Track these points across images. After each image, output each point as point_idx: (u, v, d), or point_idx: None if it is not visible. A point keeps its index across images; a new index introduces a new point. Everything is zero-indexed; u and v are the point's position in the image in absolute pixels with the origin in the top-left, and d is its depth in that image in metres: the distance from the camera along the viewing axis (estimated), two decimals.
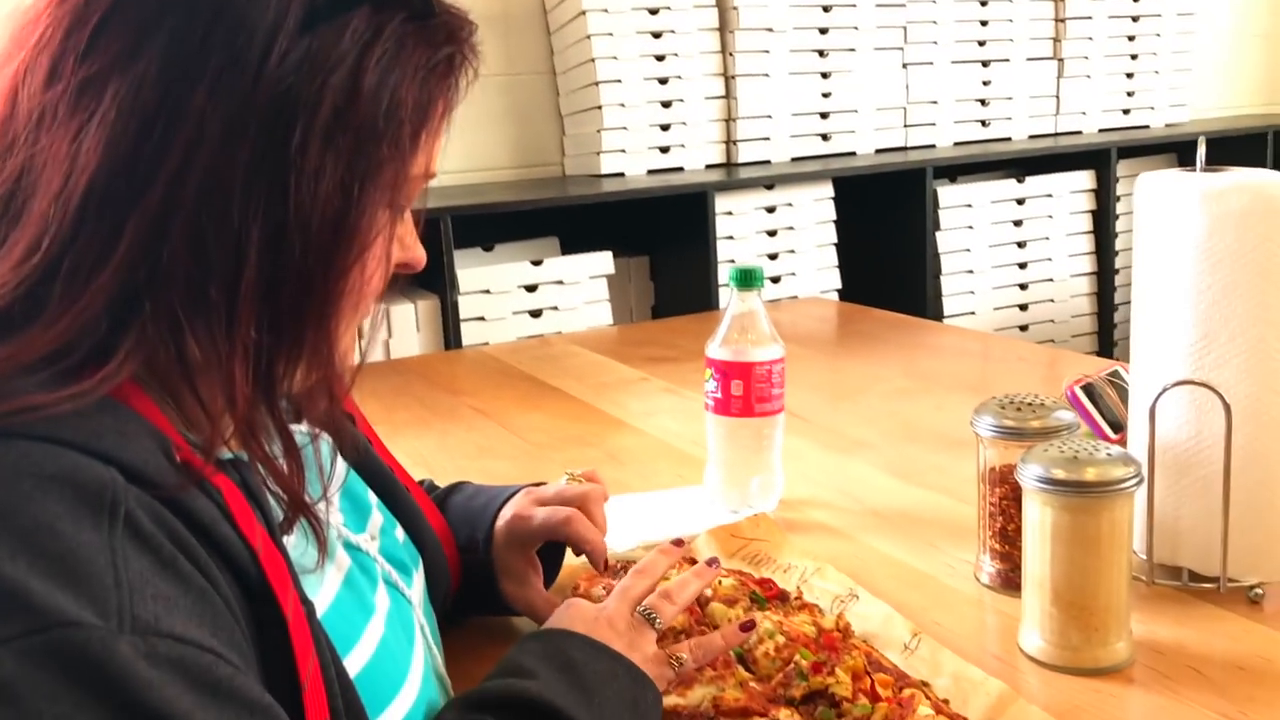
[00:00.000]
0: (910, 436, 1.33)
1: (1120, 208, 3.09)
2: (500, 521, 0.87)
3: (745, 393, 1.07)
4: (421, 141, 0.58)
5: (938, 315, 2.82)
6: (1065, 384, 1.28)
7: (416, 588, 0.74)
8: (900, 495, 1.14)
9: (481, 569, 0.86)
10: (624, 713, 0.65)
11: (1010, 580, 0.89)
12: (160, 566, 0.46)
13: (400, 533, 0.77)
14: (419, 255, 0.66)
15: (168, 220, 0.51)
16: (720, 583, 0.88)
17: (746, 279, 1.07)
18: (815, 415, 1.42)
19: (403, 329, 2.25)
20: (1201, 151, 0.87)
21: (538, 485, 0.91)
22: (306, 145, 0.52)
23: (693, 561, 0.94)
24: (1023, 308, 2.96)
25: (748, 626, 0.75)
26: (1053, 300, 3.01)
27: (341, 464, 0.73)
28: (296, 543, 0.58)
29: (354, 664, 0.59)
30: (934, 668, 0.77)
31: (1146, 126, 3.26)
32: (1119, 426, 1.24)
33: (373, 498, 0.76)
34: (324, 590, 0.61)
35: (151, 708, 0.43)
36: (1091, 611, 0.77)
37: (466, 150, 2.75)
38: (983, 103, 3.04)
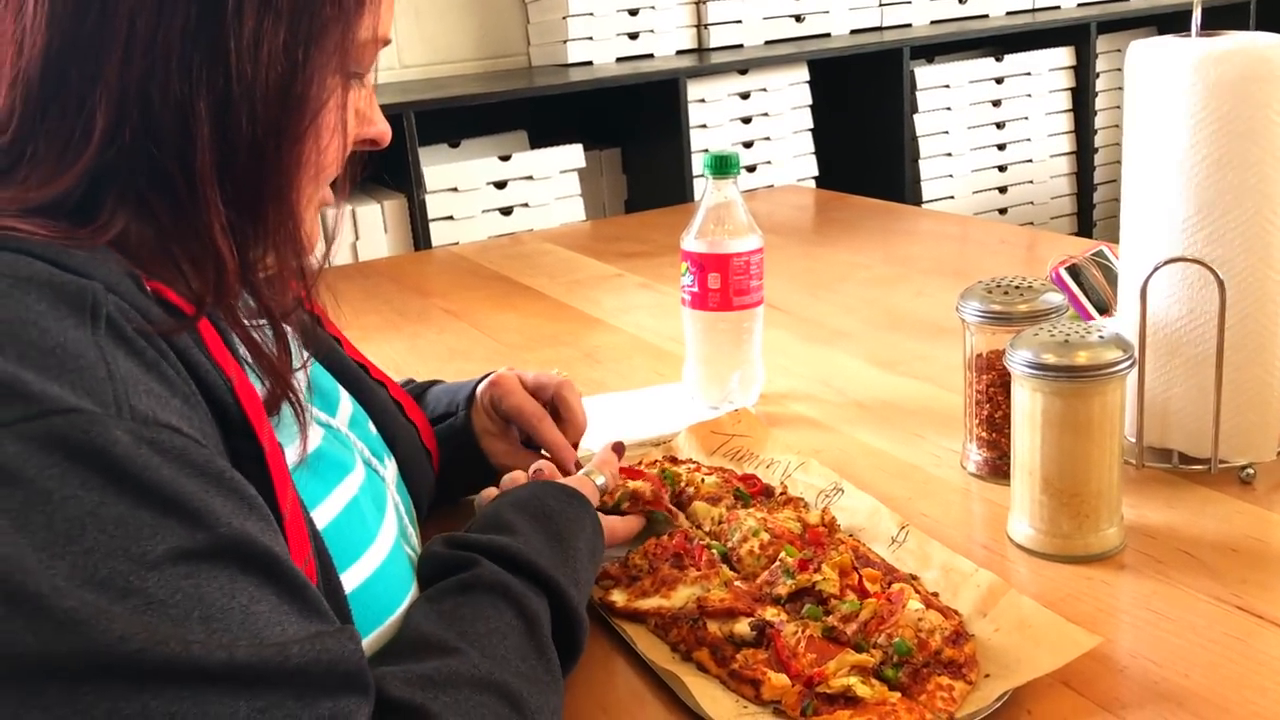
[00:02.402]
0: (891, 325, 1.30)
1: (1100, 84, 3.03)
2: (481, 387, 0.89)
3: (723, 286, 1.03)
4: (366, 1, 0.55)
5: (916, 200, 2.78)
6: (1050, 265, 1.25)
7: (389, 470, 0.72)
8: (883, 385, 1.12)
9: (462, 432, 0.88)
10: (587, 563, 0.69)
11: (997, 468, 0.87)
12: (146, 368, 0.46)
13: (373, 427, 0.75)
14: (384, 129, 0.63)
15: (124, 98, 0.49)
16: (703, 480, 0.86)
17: (721, 165, 1.03)
18: (794, 306, 1.38)
19: (370, 230, 2.20)
20: (1197, 15, 0.83)
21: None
22: (242, 9, 0.50)
23: (674, 460, 0.92)
24: (1002, 190, 2.92)
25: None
26: (1032, 182, 2.97)
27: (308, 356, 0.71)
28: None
29: (321, 518, 0.57)
30: (922, 560, 0.75)
31: None
32: (1104, 308, 1.22)
33: (343, 392, 0.73)
34: (297, 446, 0.59)
35: (161, 488, 0.42)
36: (1083, 498, 0.75)
37: (427, 42, 2.65)
38: None
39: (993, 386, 0.86)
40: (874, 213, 1.96)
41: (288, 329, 0.62)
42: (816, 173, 2.70)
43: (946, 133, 2.81)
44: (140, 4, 0.49)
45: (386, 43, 0.59)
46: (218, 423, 0.49)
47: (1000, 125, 2.89)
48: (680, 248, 1.05)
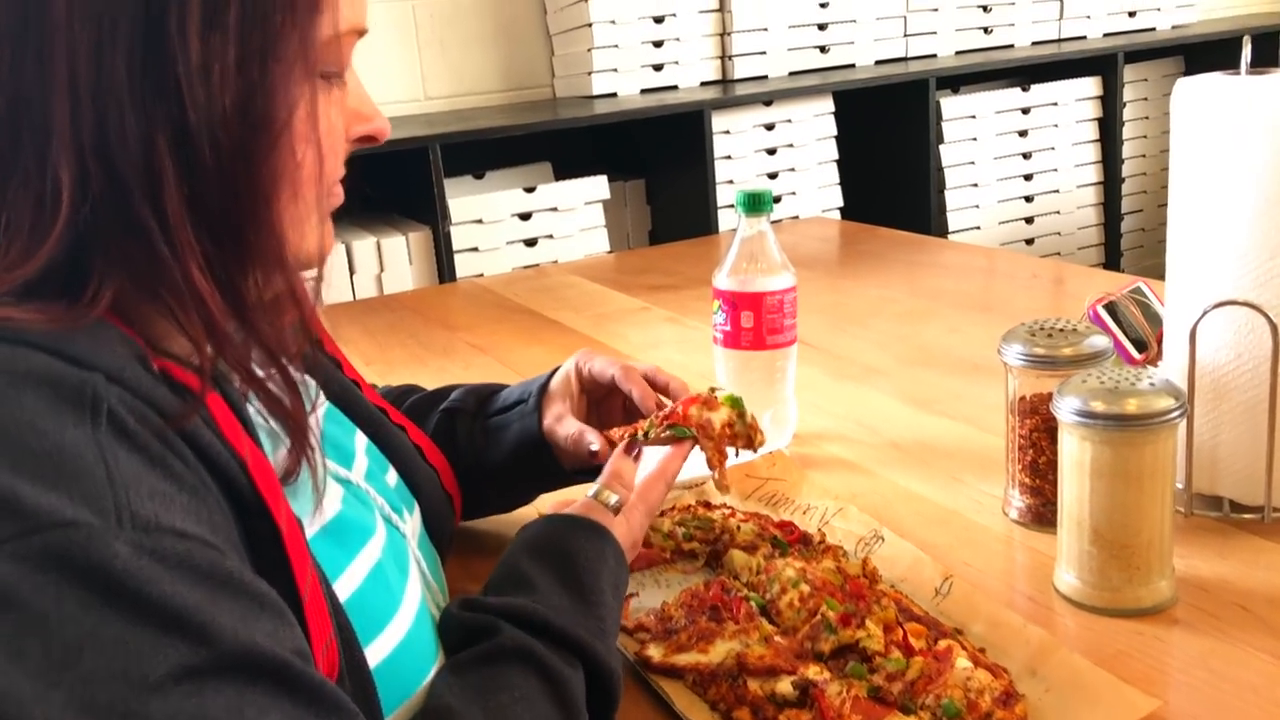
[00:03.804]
0: (924, 361, 1.28)
1: (1126, 114, 3.01)
2: (558, 374, 0.87)
3: (756, 324, 1.02)
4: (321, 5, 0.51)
5: (942, 230, 2.76)
6: (1087, 303, 1.23)
7: (411, 525, 0.70)
8: (918, 425, 1.09)
9: (528, 419, 0.85)
10: (612, 603, 0.66)
11: (1041, 515, 0.85)
12: (150, 464, 0.43)
13: (392, 475, 0.73)
14: (380, 125, 0.59)
15: (81, 149, 0.46)
16: (738, 527, 0.84)
17: (754, 203, 1.01)
18: (824, 341, 1.36)
19: (395, 262, 2.19)
20: (1246, 52, 0.81)
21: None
22: (186, 33, 0.47)
23: (708, 505, 0.90)
24: (1028, 220, 2.90)
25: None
26: (1058, 212, 2.94)
27: (322, 399, 0.69)
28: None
29: (344, 589, 0.55)
30: (968, 613, 0.73)
31: (1153, 29, 3.16)
32: (1144, 345, 1.19)
33: (360, 440, 0.71)
34: (315, 515, 0.57)
35: (163, 604, 0.40)
36: (1133, 549, 0.73)
37: (453, 74, 2.66)
38: (985, 9, 2.94)
39: (1036, 431, 0.84)
40: (900, 245, 1.94)
41: (299, 376, 0.60)
42: (842, 204, 2.68)
43: (972, 163, 2.79)
44: (77, 46, 0.46)
45: (362, 33, 0.56)
46: (231, 505, 0.47)
47: (1026, 155, 2.87)
48: (712, 285, 1.04)
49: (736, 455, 0.84)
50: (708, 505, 0.90)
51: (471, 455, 0.86)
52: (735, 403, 0.83)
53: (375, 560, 0.58)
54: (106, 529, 0.40)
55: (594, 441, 0.82)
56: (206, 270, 0.48)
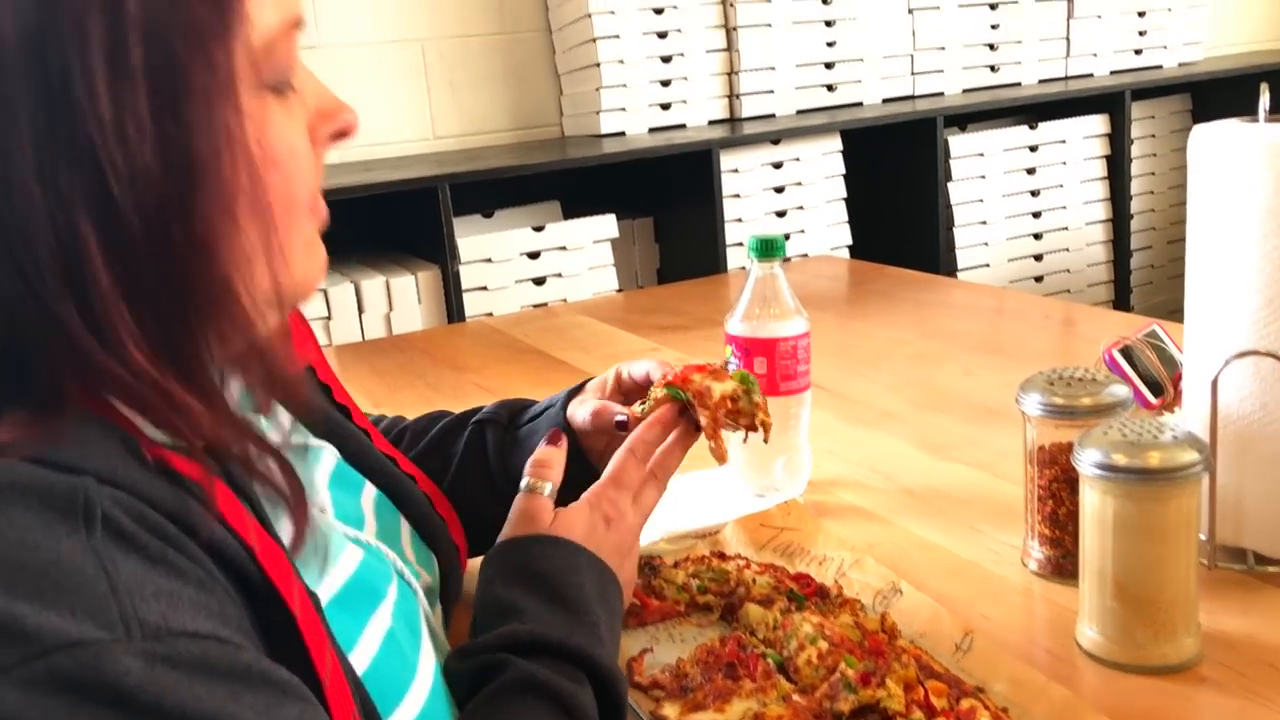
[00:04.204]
0: (939, 405, 1.27)
1: (1135, 151, 3.01)
2: (594, 379, 0.89)
3: (769, 371, 1.01)
4: (234, 7, 0.45)
5: (951, 268, 2.75)
6: (1103, 346, 1.22)
7: (424, 580, 0.69)
8: (934, 471, 1.08)
9: (555, 415, 0.85)
10: (599, 608, 0.66)
11: (1061, 567, 0.84)
12: (151, 564, 0.41)
13: (405, 529, 0.72)
14: (348, 118, 0.54)
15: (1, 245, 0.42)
16: (754, 580, 0.82)
17: (767, 249, 1.00)
18: (836, 384, 1.35)
19: (404, 302, 2.19)
20: (1265, 100, 0.80)
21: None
22: (94, 89, 0.41)
23: (722, 555, 0.89)
24: (1037, 258, 2.89)
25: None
26: (1067, 249, 2.94)
27: (330, 453, 0.68)
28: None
29: (360, 660, 0.54)
30: (990, 670, 0.71)
31: (1160, 67, 3.16)
32: (1160, 390, 1.18)
33: (368, 497, 0.70)
34: (326, 581, 0.56)
35: (183, 712, 0.38)
36: (1158, 605, 0.71)
37: (462, 114, 2.67)
38: (991, 47, 2.95)
39: (1055, 482, 0.83)
40: (909, 284, 1.93)
41: (286, 428, 0.59)
42: (850, 242, 2.68)
43: (981, 201, 2.79)
44: None
45: (298, 24, 0.50)
46: (241, 592, 0.45)
47: (1035, 193, 2.87)
48: (725, 330, 1.03)
49: (745, 440, 0.83)
50: (722, 556, 0.88)
51: (500, 464, 0.85)
52: (745, 379, 0.81)
53: (387, 628, 0.57)
54: (115, 642, 0.38)
55: (621, 413, 0.81)
56: (151, 350, 0.44)
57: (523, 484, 0.75)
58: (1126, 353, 1.20)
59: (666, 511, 1.01)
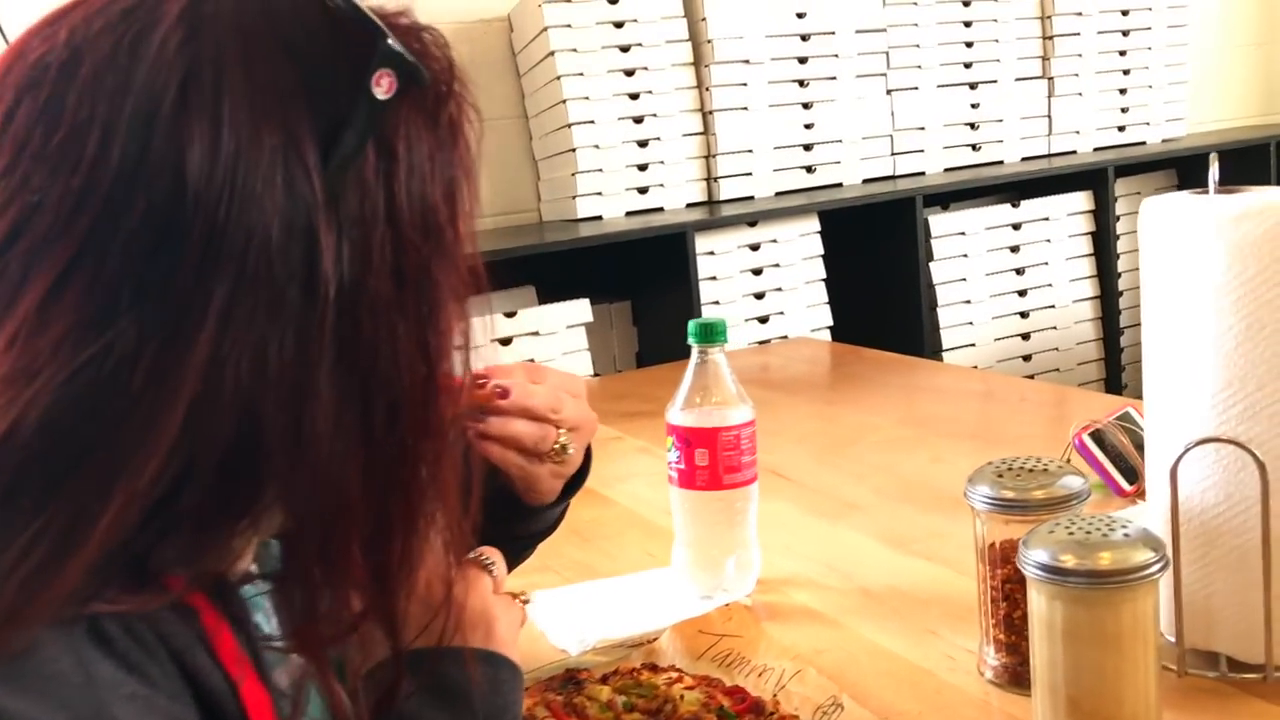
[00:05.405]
0: (904, 495, 1.21)
1: (1120, 227, 2.98)
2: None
3: (711, 462, 0.95)
4: (461, 230, 0.50)
5: (936, 349, 2.70)
6: (1073, 430, 1.16)
7: None
8: (893, 568, 1.02)
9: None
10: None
11: (1019, 676, 0.77)
12: (128, 669, 0.42)
13: None
14: None
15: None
16: (683, 696, 0.76)
17: (707, 334, 0.96)
18: (800, 474, 1.29)
19: None
20: (1214, 171, 0.76)
21: None
22: (378, 328, 0.46)
23: (654, 668, 0.82)
24: (1024, 337, 2.84)
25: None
26: (1055, 328, 2.89)
27: None
28: None
29: None
30: None
31: (1143, 143, 3.15)
32: (1134, 476, 1.12)
33: None
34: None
35: None
36: None
37: None
38: (972, 126, 2.94)
39: (1009, 583, 0.77)
40: (891, 367, 1.88)
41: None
42: (831, 323, 2.63)
43: (964, 280, 2.75)
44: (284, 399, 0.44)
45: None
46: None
47: (1020, 271, 2.83)
48: (665, 420, 0.98)
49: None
50: (654, 668, 0.82)
51: None
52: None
53: None
54: None
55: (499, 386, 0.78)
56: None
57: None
58: (1097, 436, 1.15)
59: (605, 616, 0.95)
